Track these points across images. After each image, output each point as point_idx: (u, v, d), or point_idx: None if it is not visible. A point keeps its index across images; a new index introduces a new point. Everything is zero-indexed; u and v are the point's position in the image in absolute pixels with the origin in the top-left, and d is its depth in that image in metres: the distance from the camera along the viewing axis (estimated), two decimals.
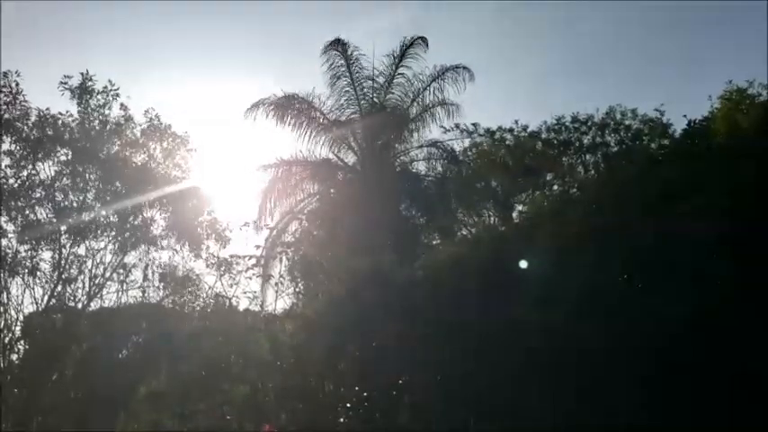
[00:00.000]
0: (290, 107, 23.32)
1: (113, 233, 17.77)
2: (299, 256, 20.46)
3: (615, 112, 25.55)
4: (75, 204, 17.47)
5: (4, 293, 16.79)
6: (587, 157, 25.72)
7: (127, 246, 17.82)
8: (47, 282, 17.05)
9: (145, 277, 18.05)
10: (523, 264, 13.56)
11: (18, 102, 17.18)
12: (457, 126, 25.31)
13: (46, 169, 17.40)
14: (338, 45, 23.20)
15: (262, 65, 45.63)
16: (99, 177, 17.62)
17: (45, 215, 17.20)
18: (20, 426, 16.03)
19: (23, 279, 16.86)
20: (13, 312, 16.90)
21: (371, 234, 19.63)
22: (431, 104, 23.52)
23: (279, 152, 23.33)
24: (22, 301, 16.90)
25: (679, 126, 22.62)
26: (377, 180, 22.44)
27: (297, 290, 19.65)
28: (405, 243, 20.78)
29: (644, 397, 11.58)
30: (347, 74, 23.41)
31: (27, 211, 17.03)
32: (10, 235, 16.93)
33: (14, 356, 17.15)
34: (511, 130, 26.37)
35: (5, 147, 17.15)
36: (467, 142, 26.23)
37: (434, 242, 23.00)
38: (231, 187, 21.70)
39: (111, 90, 17.93)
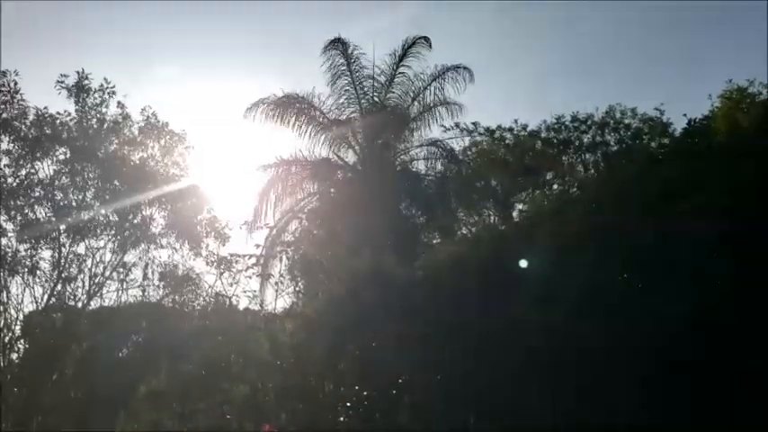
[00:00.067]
0: (290, 106, 23.29)
1: (113, 232, 17.78)
2: (299, 255, 20.45)
3: (615, 112, 25.55)
4: (74, 203, 17.47)
5: (4, 292, 16.80)
6: (587, 156, 25.72)
7: (126, 244, 17.83)
8: (46, 281, 17.07)
9: (145, 276, 18.06)
10: (523, 263, 13.55)
11: (16, 101, 17.19)
12: (457, 125, 25.31)
13: (45, 168, 17.45)
14: (338, 44, 23.17)
15: (262, 65, 45.63)
16: (98, 176, 17.63)
17: (44, 214, 17.22)
18: (20, 425, 16.03)
19: (23, 278, 16.88)
20: (12, 311, 16.94)
21: (371, 233, 19.61)
22: (431, 104, 23.49)
23: (279, 152, 23.31)
24: (22, 300, 16.96)
25: (679, 125, 22.64)
26: (377, 179, 22.41)
27: (297, 289, 19.66)
28: (405, 242, 20.77)
29: (644, 396, 11.57)
30: (347, 73, 23.38)
31: (26, 210, 17.04)
32: (9, 234, 16.97)
33: (14, 356, 17.16)
34: (511, 130, 26.38)
35: (4, 146, 17.23)
36: (467, 141, 26.23)
37: (434, 241, 22.97)
38: (231, 186, 21.74)
39: (107, 88, 17.95)
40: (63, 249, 17.19)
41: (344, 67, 23.30)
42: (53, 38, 44.20)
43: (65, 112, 17.61)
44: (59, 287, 17.10)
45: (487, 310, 13.01)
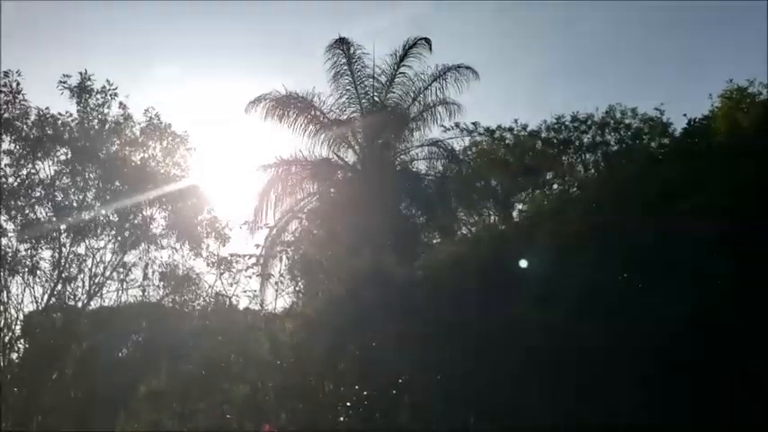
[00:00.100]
0: (291, 105, 23.31)
1: (113, 232, 17.78)
2: (299, 255, 20.45)
3: (615, 112, 25.58)
4: (74, 203, 17.47)
5: (4, 292, 16.79)
6: (587, 156, 25.74)
7: (127, 245, 17.82)
8: (47, 281, 17.06)
9: (145, 276, 18.05)
10: (523, 263, 13.56)
11: (18, 101, 17.19)
12: (457, 125, 25.34)
13: (46, 168, 17.43)
14: (342, 44, 23.19)
15: (262, 65, 45.67)
16: (99, 176, 17.62)
17: (45, 214, 17.20)
18: (20, 425, 16.03)
19: (23, 278, 16.87)
20: (12, 311, 16.92)
21: (371, 233, 19.61)
22: (432, 104, 23.51)
23: (279, 151, 23.34)
24: (22, 300, 16.93)
25: (679, 125, 22.67)
26: (377, 179, 22.41)
27: (297, 289, 19.65)
28: (405, 242, 20.78)
29: (644, 396, 11.58)
30: (349, 72, 23.40)
31: (27, 210, 17.02)
32: (10, 234, 16.95)
33: (14, 355, 17.15)
34: (511, 130, 26.41)
35: (5, 146, 17.18)
36: (467, 141, 26.27)
37: (434, 241, 22.98)
38: (231, 186, 21.74)
39: (109, 89, 17.96)
40: (63, 249, 17.19)
41: (346, 67, 23.33)
42: (53, 38, 44.25)
43: (66, 112, 17.64)
44: (59, 287, 17.10)
45: (487, 310, 13.01)
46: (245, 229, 21.07)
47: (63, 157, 17.49)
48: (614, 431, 11.57)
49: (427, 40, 23.37)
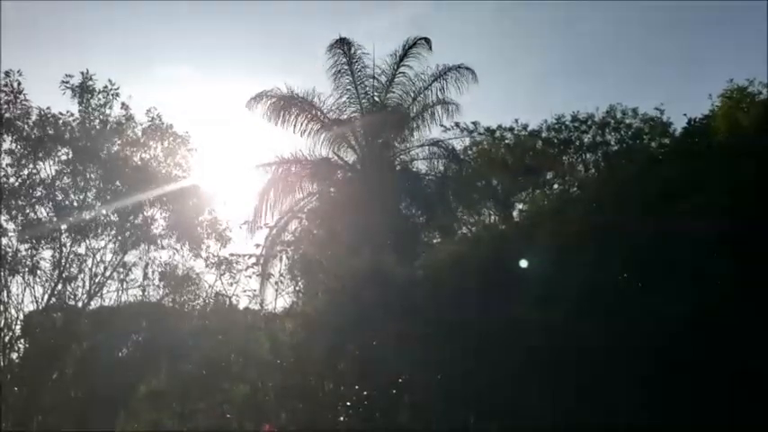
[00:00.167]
0: (292, 104, 23.33)
1: (114, 232, 17.78)
2: (299, 254, 20.45)
3: (615, 111, 25.59)
4: (75, 203, 17.47)
5: (5, 292, 16.80)
6: (587, 155, 25.75)
7: (127, 245, 17.83)
8: (47, 280, 17.07)
9: (145, 276, 18.06)
10: (524, 263, 13.56)
11: (19, 101, 17.20)
12: (457, 125, 25.37)
13: (46, 168, 17.43)
14: (342, 44, 23.20)
15: (262, 65, 45.75)
16: (99, 176, 17.63)
17: (45, 214, 17.21)
18: (20, 425, 16.04)
19: (24, 278, 16.87)
20: (13, 311, 16.93)
21: (371, 233, 19.62)
22: (432, 103, 23.52)
23: (279, 151, 23.37)
24: (23, 300, 16.94)
25: (679, 125, 22.66)
26: (377, 179, 22.42)
27: (297, 289, 19.64)
28: (405, 242, 20.78)
29: (644, 396, 11.58)
30: (349, 72, 23.41)
31: (27, 210, 17.03)
32: (10, 234, 16.95)
33: (15, 355, 17.16)
34: (511, 129, 26.42)
35: (6, 146, 17.19)
36: (467, 141, 26.29)
37: (434, 241, 22.98)
38: (232, 186, 21.73)
39: (111, 89, 17.97)
40: (64, 249, 17.20)
41: (346, 67, 23.35)
42: (53, 38, 44.30)
43: (67, 112, 17.66)
44: (60, 287, 17.10)
45: (487, 310, 13.01)
46: (245, 228, 21.13)
47: (64, 157, 17.50)
48: (614, 431, 11.57)
49: (427, 40, 23.40)
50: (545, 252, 13.25)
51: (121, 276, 17.85)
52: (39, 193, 17.25)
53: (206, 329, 17.97)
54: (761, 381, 10.87)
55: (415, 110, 23.72)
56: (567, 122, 25.66)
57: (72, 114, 17.68)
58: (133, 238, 17.89)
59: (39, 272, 16.96)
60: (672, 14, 41.49)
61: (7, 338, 16.79)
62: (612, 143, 25.40)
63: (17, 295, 16.88)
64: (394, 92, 23.64)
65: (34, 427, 16.56)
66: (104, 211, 17.70)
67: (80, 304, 17.35)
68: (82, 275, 17.34)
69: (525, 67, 47.35)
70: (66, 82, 17.65)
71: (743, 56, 39.81)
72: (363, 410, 14.85)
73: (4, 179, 17.02)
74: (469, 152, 26.28)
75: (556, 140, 25.78)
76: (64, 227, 17.25)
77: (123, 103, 18.13)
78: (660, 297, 11.74)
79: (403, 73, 23.45)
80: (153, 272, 18.09)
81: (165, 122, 18.44)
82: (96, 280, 17.48)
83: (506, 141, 26.40)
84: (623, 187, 14.26)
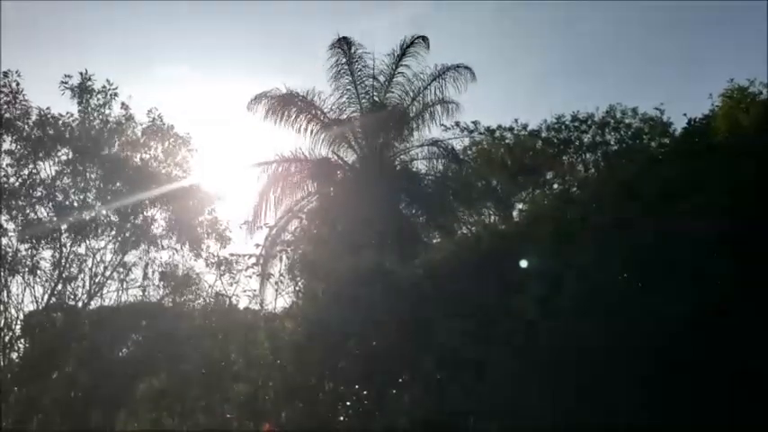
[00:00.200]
0: (292, 104, 23.35)
1: (114, 232, 17.77)
2: (299, 254, 20.45)
3: (615, 111, 25.56)
4: (75, 203, 17.47)
5: (5, 292, 16.79)
6: (587, 155, 25.73)
7: (127, 245, 17.82)
8: (47, 280, 17.06)
9: (145, 276, 18.05)
10: (524, 263, 13.56)
11: (18, 101, 17.20)
12: (457, 124, 25.36)
13: (46, 168, 17.41)
14: (343, 43, 23.19)
15: (262, 65, 45.78)
16: (100, 176, 17.62)
17: (45, 214, 17.21)
18: (20, 424, 16.04)
19: (24, 277, 16.86)
20: (13, 311, 16.91)
21: (371, 233, 19.64)
22: (431, 103, 23.53)
23: (279, 150, 23.38)
24: (23, 300, 16.92)
25: (679, 125, 22.61)
26: (377, 179, 22.45)
27: (297, 289, 19.64)
28: (405, 242, 20.79)
29: (644, 396, 11.58)
30: (349, 72, 23.44)
31: (27, 210, 17.02)
32: (10, 233, 16.94)
33: (14, 355, 17.15)
34: (511, 129, 26.39)
35: (6, 146, 17.17)
36: (467, 141, 26.27)
37: (434, 241, 22.98)
38: (232, 186, 21.74)
39: (109, 89, 17.95)
40: (64, 249, 17.20)
41: (346, 66, 23.38)
42: (53, 38, 44.30)
43: (67, 113, 17.66)
44: (60, 287, 17.10)
45: (487, 310, 13.02)
46: (245, 228, 21.16)
47: (64, 158, 17.50)
48: (614, 431, 11.57)
49: (424, 39, 23.41)
50: (545, 252, 13.25)
51: (121, 276, 17.85)
52: (39, 194, 17.24)
53: (206, 329, 17.97)
54: (761, 381, 10.88)
55: (414, 109, 23.75)
56: (566, 122, 25.64)
57: (72, 115, 17.70)
58: (133, 238, 17.88)
59: (39, 272, 16.95)
60: (672, 14, 41.55)
61: (7, 338, 16.79)
62: (612, 143, 25.37)
63: (17, 295, 16.89)
64: (393, 91, 23.69)
65: (34, 427, 16.56)
66: (104, 212, 17.69)
67: (80, 304, 17.35)
68: (82, 275, 17.35)
69: (525, 67, 47.42)
70: (65, 82, 17.67)
71: (743, 56, 39.85)
72: (363, 410, 14.86)
73: (4, 179, 17.02)
74: (469, 152, 26.27)
75: (556, 140, 25.76)
76: (64, 227, 17.25)
77: (123, 103, 18.16)
78: (660, 297, 11.75)
79: (402, 73, 23.51)
80: (153, 272, 18.09)
81: (166, 123, 18.46)
82: (96, 280, 17.48)
83: (506, 141, 26.38)
84: (623, 187, 14.25)
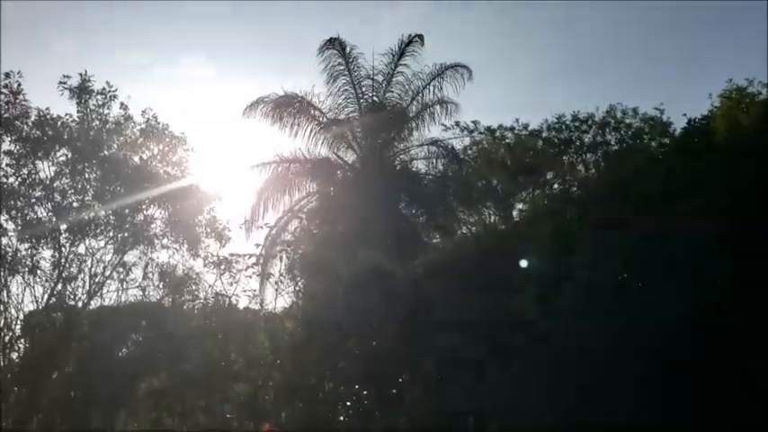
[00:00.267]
0: (290, 105, 23.30)
1: (113, 232, 17.77)
2: (299, 254, 20.45)
3: (615, 111, 25.52)
4: (74, 203, 17.46)
5: (5, 292, 16.78)
6: (588, 155, 25.68)
7: (126, 245, 17.81)
8: (47, 280, 17.05)
9: (145, 276, 18.04)
10: (523, 263, 13.56)
11: (18, 101, 17.18)
12: (457, 124, 25.31)
13: (46, 168, 17.40)
14: (335, 44, 23.14)
15: (262, 65, 45.76)
16: (98, 177, 17.61)
17: (45, 214, 17.20)
18: (20, 424, 16.04)
19: (23, 277, 16.85)
20: (13, 311, 16.90)
21: (371, 232, 19.62)
22: (430, 103, 23.50)
23: (278, 151, 23.34)
24: (23, 300, 16.91)
25: (679, 125, 22.58)
26: (377, 178, 22.41)
27: (296, 288, 19.65)
28: (404, 241, 20.77)
29: (644, 396, 11.59)
30: (346, 72, 23.37)
31: (27, 210, 17.01)
32: (10, 233, 16.92)
33: (15, 355, 17.15)
34: (511, 129, 26.34)
35: (5, 146, 17.15)
36: (467, 141, 26.22)
37: (434, 240, 22.97)
38: (231, 186, 21.72)
39: (109, 91, 17.95)
40: (63, 249, 17.19)
41: (343, 67, 23.30)
42: (53, 38, 44.30)
43: (66, 114, 17.65)
44: (60, 287, 17.08)
45: (487, 309, 13.02)
46: (244, 228, 21.14)
47: (63, 158, 17.49)
48: (614, 431, 11.58)
49: (420, 37, 23.34)
50: (545, 252, 13.26)
51: (121, 276, 17.84)
52: (38, 194, 17.23)
53: (206, 329, 17.97)
54: (761, 381, 10.89)
55: (413, 109, 23.70)
56: (567, 122, 25.60)
57: (71, 116, 17.70)
58: (132, 237, 17.87)
59: (38, 272, 16.94)
60: (672, 14, 41.52)
61: (7, 338, 16.78)
62: (612, 143, 25.33)
63: (17, 295, 16.88)
64: (392, 91, 23.63)
65: (34, 427, 16.56)
66: (103, 212, 17.67)
67: (80, 304, 17.34)
68: (82, 275, 17.33)
69: (525, 67, 47.38)
70: (64, 83, 17.65)
71: (743, 56, 39.84)
72: (363, 410, 14.86)
73: (4, 179, 17.01)
74: (469, 152, 26.22)
75: (556, 140, 25.71)
76: (63, 227, 17.24)
77: (122, 103, 18.14)
78: (660, 297, 11.76)
79: (401, 72, 23.43)
80: (153, 272, 18.08)
81: (161, 123, 18.42)
82: (96, 280, 17.46)
83: (506, 141, 26.34)
84: (623, 187, 14.26)
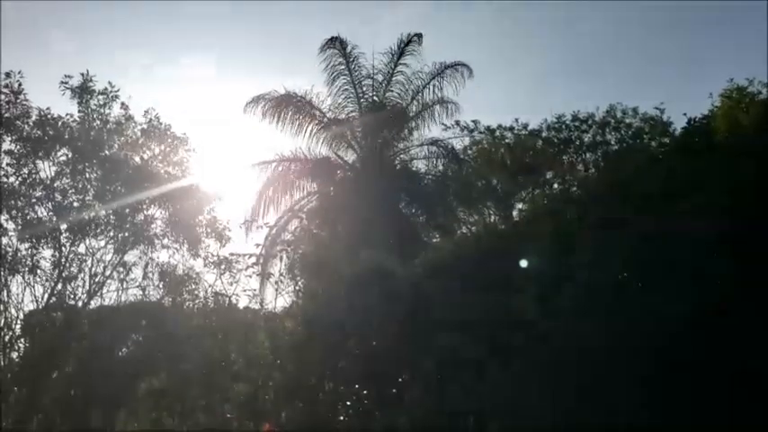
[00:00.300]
0: (290, 104, 23.29)
1: (113, 232, 17.77)
2: (299, 254, 20.45)
3: (615, 111, 25.51)
4: (75, 203, 17.46)
5: (5, 291, 16.80)
6: (587, 155, 25.67)
7: (127, 244, 17.82)
8: (47, 280, 17.06)
9: (145, 275, 18.05)
10: (523, 262, 13.56)
11: (19, 101, 17.19)
12: (457, 123, 25.28)
13: (46, 168, 17.41)
14: (336, 43, 23.13)
15: (262, 65, 45.76)
16: (99, 177, 17.62)
17: (45, 214, 17.21)
18: (20, 423, 16.05)
19: (24, 277, 16.87)
20: (13, 310, 16.93)
21: (371, 232, 19.62)
22: (430, 102, 23.49)
23: (278, 150, 23.34)
24: (23, 299, 16.94)
25: (679, 124, 22.54)
26: (377, 178, 22.41)
27: (296, 288, 19.65)
28: (404, 241, 20.76)
29: (644, 396, 11.59)
30: (346, 72, 23.36)
31: (27, 210, 17.02)
32: (10, 233, 16.95)
33: (15, 354, 17.16)
34: (511, 129, 26.33)
35: (6, 146, 17.17)
36: (467, 140, 26.21)
37: (434, 240, 22.96)
38: (232, 186, 21.73)
39: (111, 92, 17.96)
40: (63, 249, 17.20)
41: (343, 66, 23.29)
42: (53, 38, 44.30)
43: (67, 114, 17.67)
44: (60, 286, 17.10)
45: (487, 309, 13.02)
46: (244, 228, 21.14)
47: (63, 158, 17.49)
48: (614, 431, 11.57)
49: (419, 36, 23.34)
50: (545, 252, 13.25)
51: (121, 276, 17.86)
52: (39, 193, 17.24)
53: (206, 329, 17.97)
54: (761, 381, 10.88)
55: (414, 109, 23.69)
56: (567, 122, 25.58)
57: (72, 116, 17.71)
58: (132, 237, 17.88)
59: (39, 271, 16.96)
60: (672, 14, 41.52)
61: (7, 338, 16.80)
62: (612, 143, 25.31)
63: (17, 295, 16.91)
64: (392, 90, 23.62)
65: (34, 426, 16.57)
66: (104, 211, 17.68)
67: (80, 304, 17.36)
68: (82, 275, 17.36)
69: (525, 67, 47.38)
70: (66, 83, 17.66)
71: (743, 56, 39.80)
72: (363, 410, 14.86)
73: (4, 179, 17.02)
74: (469, 151, 26.21)
75: (556, 140, 25.69)
76: (64, 226, 17.25)
77: (123, 103, 18.16)
78: (660, 297, 11.75)
79: (401, 72, 23.42)
80: (153, 272, 18.09)
81: (163, 123, 18.45)
82: (96, 279, 17.49)
83: (506, 141, 26.32)
84: (623, 187, 14.25)
